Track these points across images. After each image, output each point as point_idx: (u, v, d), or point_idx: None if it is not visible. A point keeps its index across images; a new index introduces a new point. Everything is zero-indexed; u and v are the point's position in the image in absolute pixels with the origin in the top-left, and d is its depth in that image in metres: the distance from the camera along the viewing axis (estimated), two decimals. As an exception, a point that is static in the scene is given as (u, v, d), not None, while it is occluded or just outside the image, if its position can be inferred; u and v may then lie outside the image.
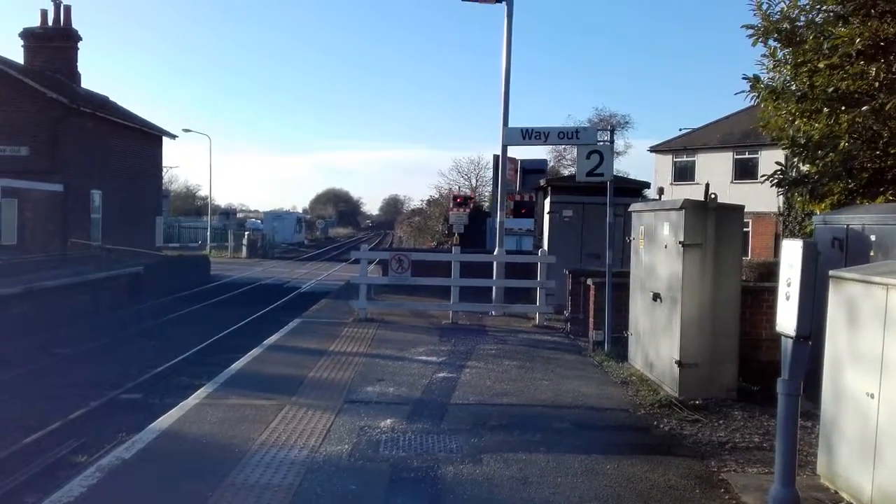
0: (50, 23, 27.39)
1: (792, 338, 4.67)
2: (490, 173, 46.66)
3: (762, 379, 7.98)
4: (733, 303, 7.97)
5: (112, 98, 31.79)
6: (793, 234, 22.24)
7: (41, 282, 18.59)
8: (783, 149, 9.30)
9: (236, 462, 5.63)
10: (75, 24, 28.07)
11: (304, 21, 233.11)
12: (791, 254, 4.75)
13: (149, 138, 31.99)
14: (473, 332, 12.45)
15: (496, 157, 20.68)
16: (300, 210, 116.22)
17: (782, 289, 4.79)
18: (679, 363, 7.80)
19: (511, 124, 14.76)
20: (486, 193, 52.84)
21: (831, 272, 5.35)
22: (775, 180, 9.30)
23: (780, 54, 8.94)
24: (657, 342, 8.55)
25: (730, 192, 29.69)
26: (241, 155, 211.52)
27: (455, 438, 6.40)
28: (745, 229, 27.08)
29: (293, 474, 5.40)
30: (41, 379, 12.65)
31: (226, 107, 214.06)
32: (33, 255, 21.74)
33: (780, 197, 23.66)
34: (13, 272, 19.65)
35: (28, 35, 27.11)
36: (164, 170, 39.75)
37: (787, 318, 4.72)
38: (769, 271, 19.56)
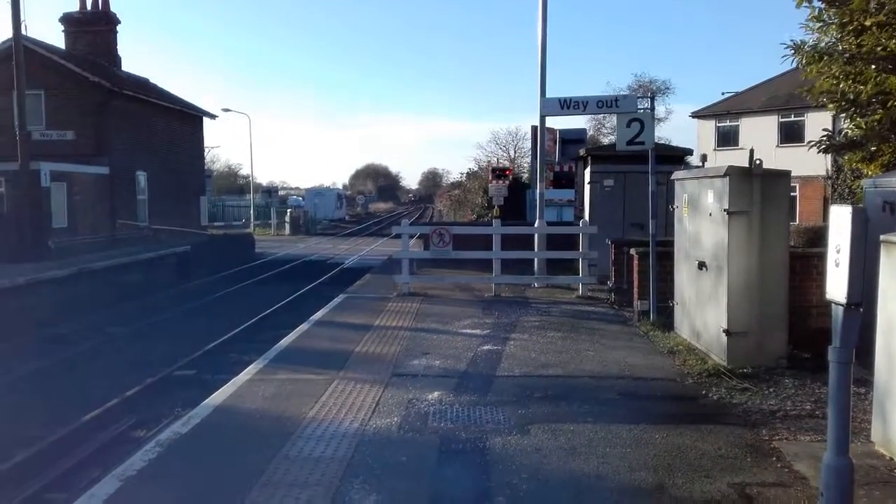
0: (89, 7, 27.81)
1: (843, 305, 4.60)
2: (528, 144, 46.38)
3: (813, 346, 7.87)
4: (781, 269, 7.86)
5: (152, 80, 32.28)
6: (842, 198, 21.75)
7: (93, 263, 19.10)
8: (831, 104, 9.06)
9: (289, 435, 5.77)
10: (113, 8, 28.48)
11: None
12: (840, 220, 4.65)
13: (190, 119, 32.45)
14: (516, 305, 12.48)
15: (534, 128, 20.57)
16: (340, 185, 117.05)
17: (831, 255, 4.71)
18: (727, 332, 7.74)
19: (548, 94, 14.61)
20: (525, 165, 52.57)
21: (882, 237, 5.24)
22: (822, 146, 9.10)
23: (825, 16, 8.70)
24: (704, 311, 8.48)
25: (775, 157, 29.11)
26: (280, 132, 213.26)
27: (502, 410, 6.46)
28: (791, 194, 26.50)
29: (345, 447, 5.52)
30: (97, 357, 13.07)
31: (264, 85, 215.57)
32: (83, 237, 22.33)
33: (829, 160, 23.11)
34: (65, 254, 20.23)
35: (68, 20, 27.58)
36: (206, 150, 40.30)
37: (837, 286, 4.64)
38: (818, 236, 19.21)
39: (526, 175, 42.59)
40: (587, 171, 15.73)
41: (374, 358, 8.48)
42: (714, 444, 5.59)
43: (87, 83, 24.07)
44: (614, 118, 12.12)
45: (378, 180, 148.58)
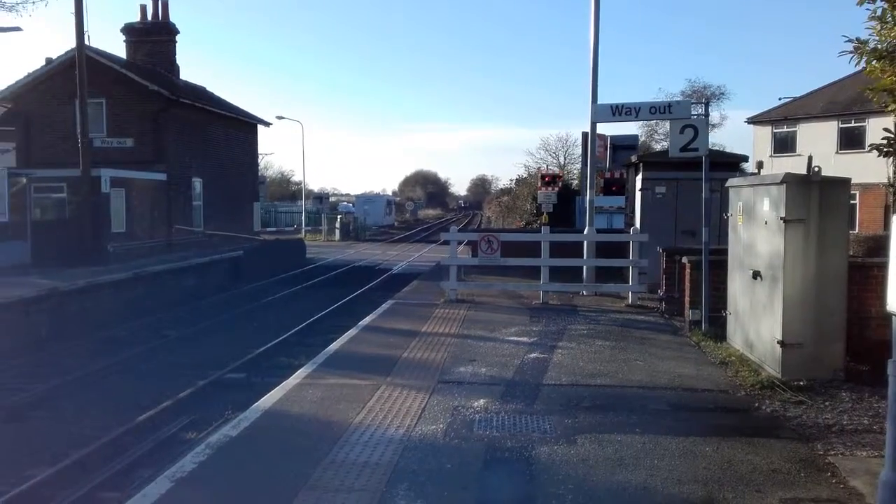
0: (149, 17, 28.60)
1: (904, 317, 4.45)
2: (578, 151, 46.06)
3: (871, 358, 7.62)
4: (839, 279, 7.63)
5: (208, 88, 33.01)
6: (904, 206, 21.04)
7: (149, 267, 19.59)
8: (893, 104, 8.76)
9: (336, 440, 5.81)
10: (172, 18, 29.24)
11: (391, 4, 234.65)
12: (902, 228, 4.50)
13: (244, 126, 33.06)
14: (564, 313, 12.37)
15: (585, 135, 20.41)
16: (389, 192, 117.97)
17: (893, 265, 4.56)
18: (781, 343, 7.54)
19: (600, 100, 14.49)
20: (575, 171, 52.13)
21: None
22: (884, 150, 8.80)
23: (888, 16, 8.42)
24: (757, 321, 8.28)
25: (834, 164, 28.35)
26: (331, 140, 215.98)
27: (548, 419, 6.40)
28: (851, 202, 25.77)
29: (391, 452, 5.53)
30: (152, 359, 13.37)
31: (315, 97, 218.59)
32: (141, 242, 22.92)
33: (891, 167, 22.39)
34: (123, 258, 20.79)
35: (129, 30, 28.41)
36: (260, 157, 41.02)
37: (898, 297, 4.49)
38: (879, 245, 18.63)
39: (576, 182, 42.27)
40: (638, 178, 15.53)
41: (421, 364, 8.49)
42: (766, 457, 5.45)
43: (147, 91, 24.72)
44: (667, 124, 11.95)
45: (427, 187, 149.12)
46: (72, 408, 10.20)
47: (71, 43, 21.20)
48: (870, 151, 8.99)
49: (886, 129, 9.00)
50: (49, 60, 25.25)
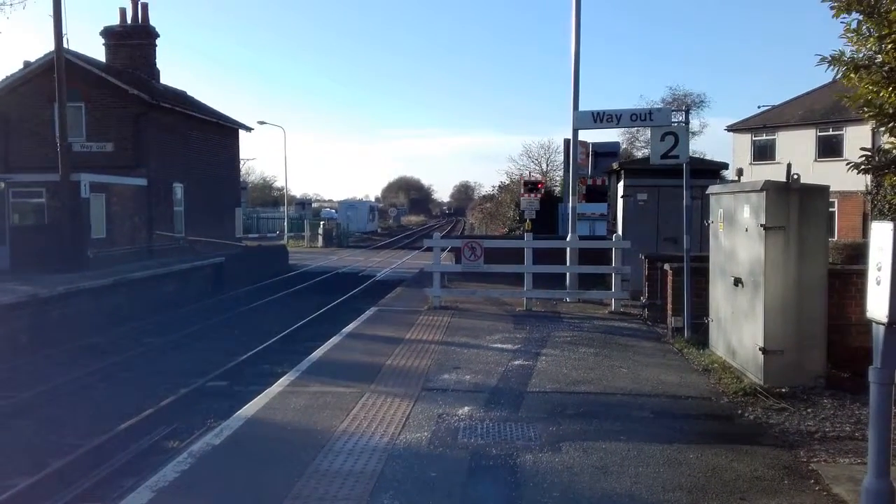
0: (129, 20, 28.35)
1: (884, 324, 4.50)
2: (561, 158, 46.21)
3: (853, 365, 7.71)
4: (819, 287, 7.71)
5: (189, 93, 32.79)
6: (882, 214, 21.30)
7: (130, 273, 19.41)
8: (868, 116, 8.87)
9: (320, 448, 5.78)
10: (152, 22, 29.02)
11: (372, 10, 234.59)
12: (881, 237, 4.56)
13: (226, 131, 32.89)
14: (548, 319, 12.40)
15: (567, 142, 20.47)
16: (372, 198, 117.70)
17: (872, 273, 4.61)
18: (763, 350, 7.60)
19: (582, 107, 14.55)
20: (558, 178, 52.31)
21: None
22: (862, 168, 8.90)
23: (863, 28, 8.53)
24: (740, 328, 8.34)
25: (813, 171, 28.69)
26: (313, 146, 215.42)
27: (533, 426, 6.40)
28: (830, 209, 26.04)
29: (375, 461, 5.51)
30: (133, 367, 13.24)
31: (297, 102, 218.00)
32: (121, 248, 22.72)
33: (869, 177, 22.70)
34: (103, 264, 20.59)
35: (109, 33, 28.15)
36: (242, 162, 40.82)
37: (878, 304, 4.54)
38: (858, 253, 18.86)
39: (558, 189, 42.40)
40: (620, 185, 15.62)
41: (405, 372, 8.47)
42: (750, 465, 5.48)
43: (127, 95, 24.54)
44: (648, 132, 12.04)
45: (410, 193, 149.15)
46: (52, 416, 10.08)
47: (49, 46, 20.98)
48: (849, 169, 9.05)
49: (864, 149, 9.10)
50: (27, 63, 25.01)
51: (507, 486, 5.11)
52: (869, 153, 8.81)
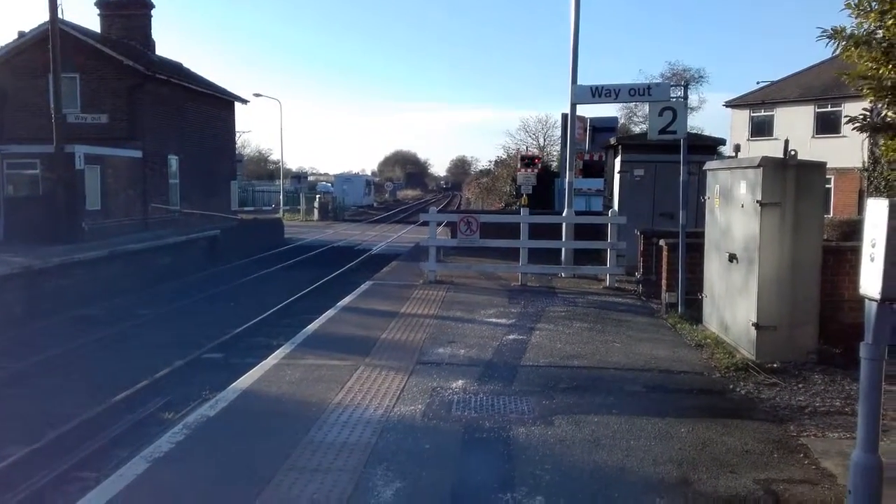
0: (124, -9, 28.02)
1: (877, 301, 4.51)
2: (558, 132, 46.05)
3: (844, 341, 7.73)
4: (814, 263, 7.73)
5: (185, 65, 32.51)
6: (878, 191, 21.30)
7: (125, 245, 19.38)
8: (867, 90, 8.88)
9: (314, 420, 5.81)
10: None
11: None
12: (876, 213, 4.55)
13: (222, 104, 32.66)
14: (543, 294, 12.43)
15: (564, 116, 20.40)
16: (369, 172, 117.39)
17: (867, 250, 4.62)
18: (756, 325, 7.64)
19: (580, 81, 14.50)
20: (555, 153, 52.22)
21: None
22: (858, 125, 8.93)
23: (865, 2, 8.48)
24: (733, 304, 8.37)
25: (811, 148, 28.60)
26: (310, 119, 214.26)
27: (526, 400, 6.44)
28: (827, 186, 26.00)
29: (369, 433, 5.55)
30: (128, 339, 13.27)
31: (294, 73, 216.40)
32: (116, 220, 22.66)
33: (866, 151, 22.65)
34: (98, 236, 20.55)
35: (104, 4, 27.81)
36: (237, 135, 40.60)
37: (871, 281, 4.55)
38: (853, 230, 18.87)
39: (555, 164, 42.31)
40: (617, 161, 15.57)
41: (400, 345, 8.50)
42: (740, 439, 5.53)
43: (122, 67, 24.33)
44: (646, 107, 11.97)
45: (406, 167, 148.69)
46: (47, 386, 10.12)
47: (44, 16, 20.76)
48: (846, 123, 9.13)
49: (865, 109, 9.11)
50: (21, 34, 24.73)
51: (500, 458, 5.15)
52: (868, 112, 8.84)
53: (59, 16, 20.56)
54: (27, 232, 19.37)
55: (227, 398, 6.43)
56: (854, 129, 9.11)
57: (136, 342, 13.00)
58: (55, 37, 19.78)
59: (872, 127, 8.93)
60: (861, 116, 8.90)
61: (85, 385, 10.19)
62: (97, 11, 27.89)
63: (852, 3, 8.53)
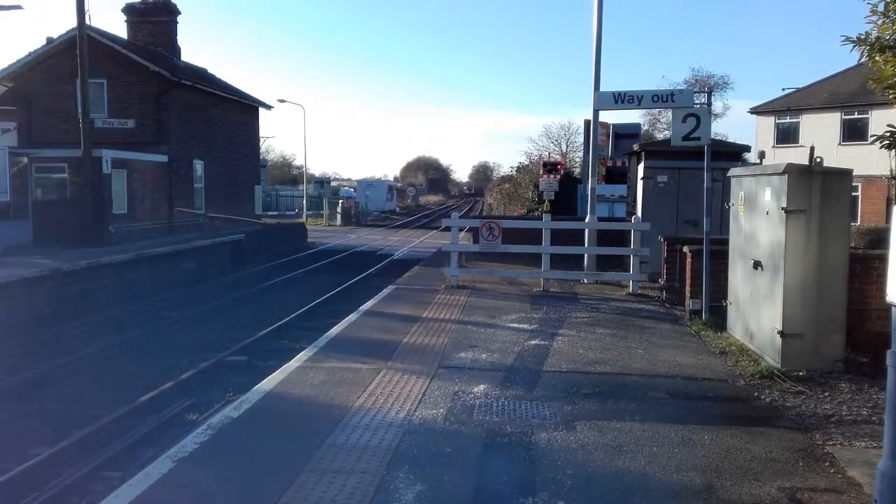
0: (150, -3, 28.40)
1: (904, 309, 4.46)
2: (581, 138, 45.89)
3: (872, 350, 7.65)
4: (840, 271, 7.65)
5: (209, 71, 32.86)
6: (906, 199, 21.02)
7: (151, 248, 19.60)
8: (893, 100, 8.78)
9: (337, 423, 5.85)
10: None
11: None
12: (904, 220, 4.52)
13: (246, 109, 32.96)
14: (565, 300, 12.40)
15: (587, 122, 20.32)
16: (391, 177, 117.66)
17: (893, 257, 4.58)
18: (781, 333, 7.57)
19: (603, 87, 14.45)
20: (577, 159, 52.05)
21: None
22: (886, 142, 8.81)
23: (890, 10, 8.40)
24: (758, 311, 8.31)
25: (837, 155, 28.32)
26: (333, 124, 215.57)
27: (548, 405, 6.44)
28: (853, 194, 25.69)
29: (391, 436, 5.57)
30: (153, 341, 13.41)
31: (317, 78, 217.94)
32: (142, 224, 22.93)
33: (894, 160, 22.36)
34: (124, 240, 20.81)
35: (130, 10, 28.18)
36: (261, 140, 40.91)
37: (899, 288, 4.51)
38: (880, 238, 18.63)
39: (577, 170, 42.17)
40: (640, 167, 15.51)
41: (422, 349, 8.53)
42: (765, 447, 5.49)
43: (148, 73, 24.64)
44: (670, 113, 11.91)
45: (429, 173, 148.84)
46: (74, 387, 10.26)
47: (72, 22, 21.09)
48: (872, 142, 9.01)
49: (890, 125, 9.00)
50: (50, 40, 25.14)
51: (521, 463, 5.16)
52: (894, 128, 8.72)
53: (87, 22, 20.87)
54: (55, 235, 19.66)
55: (251, 400, 6.48)
56: (882, 147, 8.99)
57: (161, 344, 13.13)
58: (83, 43, 20.09)
59: None
60: (888, 133, 8.78)
61: (111, 386, 10.32)
62: (124, 18, 28.28)
63: (878, 9, 8.46)
